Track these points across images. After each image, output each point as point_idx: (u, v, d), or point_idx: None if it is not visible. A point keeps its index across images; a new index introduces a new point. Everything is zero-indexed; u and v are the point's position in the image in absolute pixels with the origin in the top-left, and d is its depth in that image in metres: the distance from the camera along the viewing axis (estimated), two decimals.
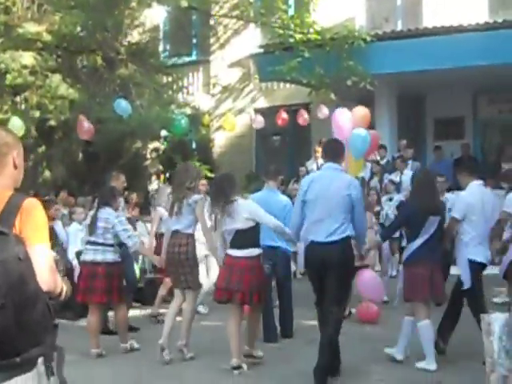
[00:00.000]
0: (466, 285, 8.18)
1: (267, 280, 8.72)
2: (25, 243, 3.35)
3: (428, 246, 7.90)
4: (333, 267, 7.32)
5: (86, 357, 8.88)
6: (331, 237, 7.40)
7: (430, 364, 7.85)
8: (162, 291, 11.46)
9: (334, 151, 7.88)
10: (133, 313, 11.05)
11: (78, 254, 12.11)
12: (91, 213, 9.64)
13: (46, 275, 3.41)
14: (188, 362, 8.63)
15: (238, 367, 7.96)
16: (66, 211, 13.30)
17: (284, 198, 9.63)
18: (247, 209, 8.04)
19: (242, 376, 7.94)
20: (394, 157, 15.82)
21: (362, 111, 10.41)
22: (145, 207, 14.51)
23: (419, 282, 7.88)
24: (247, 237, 8.01)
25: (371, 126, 11.31)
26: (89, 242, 9.27)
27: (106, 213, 9.14)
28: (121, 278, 9.34)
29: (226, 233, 8.14)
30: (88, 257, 9.22)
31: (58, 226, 12.35)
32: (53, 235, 11.34)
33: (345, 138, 9.80)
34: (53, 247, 11.23)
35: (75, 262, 11.67)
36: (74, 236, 12.25)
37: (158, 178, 20.28)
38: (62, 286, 3.58)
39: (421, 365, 7.89)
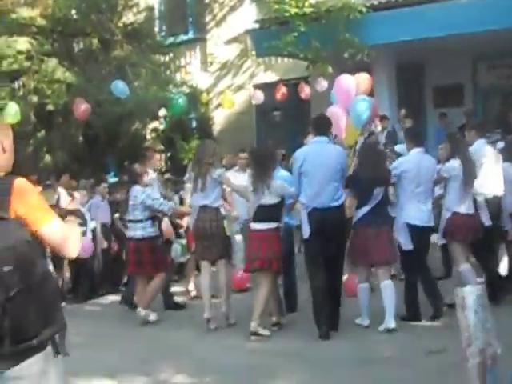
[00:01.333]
0: (406, 246, 8.81)
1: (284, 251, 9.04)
2: (27, 225, 3.37)
3: (374, 212, 8.57)
4: (335, 228, 8.38)
5: (93, 339, 8.93)
6: (331, 203, 8.45)
7: (364, 320, 8.75)
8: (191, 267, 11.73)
9: (323, 126, 8.84)
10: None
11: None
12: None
13: (69, 247, 3.53)
14: (198, 339, 8.69)
15: (254, 333, 8.48)
16: None
17: (284, 173, 9.63)
18: (279, 185, 8.66)
19: (247, 351, 8.01)
20: (394, 127, 15.75)
21: (363, 77, 10.41)
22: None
23: (361, 248, 8.62)
24: (270, 212, 8.65)
25: (371, 95, 11.30)
26: (127, 220, 10.13)
27: (135, 191, 9.81)
28: (152, 252, 9.82)
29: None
30: (127, 233, 10.20)
31: None
32: None
33: (348, 103, 9.81)
34: None
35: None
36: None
37: (160, 158, 20.26)
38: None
39: (357, 320, 8.80)
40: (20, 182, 3.46)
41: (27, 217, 3.37)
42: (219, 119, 20.84)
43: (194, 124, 20.44)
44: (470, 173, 8.99)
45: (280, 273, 8.97)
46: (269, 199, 8.59)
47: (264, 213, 8.63)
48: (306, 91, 16.21)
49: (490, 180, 9.38)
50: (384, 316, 8.48)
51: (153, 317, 9.82)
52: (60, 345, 3.50)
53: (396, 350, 7.74)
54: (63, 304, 11.84)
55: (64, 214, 3.70)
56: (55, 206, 3.50)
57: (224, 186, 9.83)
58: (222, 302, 9.34)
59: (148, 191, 9.86)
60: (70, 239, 3.53)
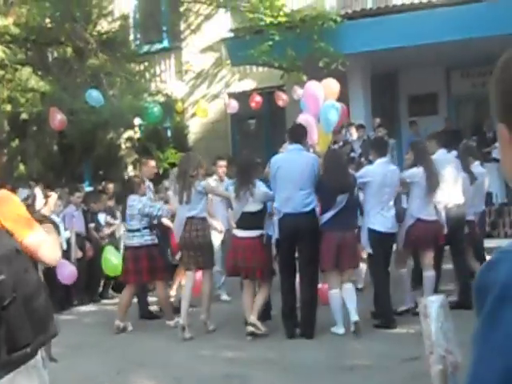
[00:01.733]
0: (367, 249, 9.33)
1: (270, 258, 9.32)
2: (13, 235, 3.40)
3: (338, 218, 8.77)
4: (307, 234, 8.70)
5: (68, 349, 8.86)
6: (303, 208, 8.76)
7: (339, 329, 8.78)
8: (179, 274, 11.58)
9: (299, 134, 9.20)
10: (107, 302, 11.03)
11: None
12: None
13: (48, 257, 3.58)
14: (173, 349, 8.66)
15: (254, 324, 8.77)
16: None
17: (259, 183, 9.70)
18: (262, 192, 9.04)
19: (223, 361, 8.00)
20: (369, 136, 15.83)
21: (331, 83, 10.58)
22: (122, 197, 14.43)
23: (325, 253, 8.82)
24: (254, 219, 8.96)
25: (346, 105, 11.42)
26: (125, 230, 10.34)
27: (131, 199, 9.96)
28: (150, 260, 9.89)
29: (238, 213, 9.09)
30: (125, 242, 10.36)
31: None
32: None
33: (317, 110, 9.97)
34: None
35: None
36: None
37: (135, 167, 20.22)
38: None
39: (332, 329, 8.82)
40: (2, 193, 3.46)
41: (7, 228, 3.38)
42: (194, 128, 20.81)
43: (170, 133, 20.41)
44: (432, 180, 9.32)
45: (267, 278, 9.14)
46: (252, 207, 8.90)
47: (248, 220, 8.95)
48: (283, 99, 16.24)
49: (450, 189, 9.71)
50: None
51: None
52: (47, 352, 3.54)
53: (371, 357, 7.76)
54: None
55: (37, 220, 3.70)
56: (30, 207, 3.59)
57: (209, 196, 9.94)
58: (203, 309, 9.45)
59: (144, 200, 10.00)
60: (48, 249, 3.55)
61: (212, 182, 11.52)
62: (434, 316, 3.71)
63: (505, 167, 1.43)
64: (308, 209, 8.81)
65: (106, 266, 11.53)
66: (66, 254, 11.98)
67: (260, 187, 9.02)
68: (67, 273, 11.28)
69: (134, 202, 9.91)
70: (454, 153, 10.76)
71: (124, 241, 10.32)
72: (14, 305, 3.24)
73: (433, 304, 3.76)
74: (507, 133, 1.38)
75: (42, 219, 3.82)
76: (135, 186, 10.11)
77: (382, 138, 10.53)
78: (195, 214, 9.41)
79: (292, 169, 8.83)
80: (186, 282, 9.73)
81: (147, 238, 9.94)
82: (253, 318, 8.82)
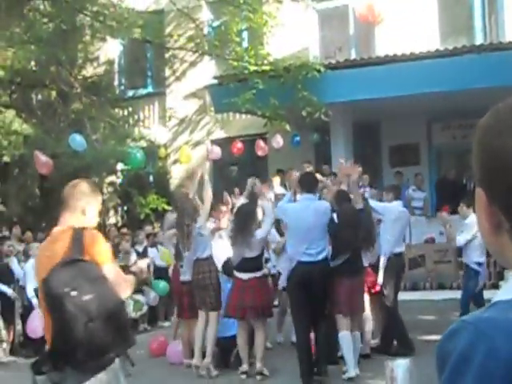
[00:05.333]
0: None
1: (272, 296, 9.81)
2: None
3: (347, 263, 8.85)
4: (321, 280, 8.69)
5: None
6: (316, 257, 8.76)
7: (350, 372, 8.65)
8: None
9: (311, 183, 9.17)
10: None
11: (37, 291, 11.94)
12: None
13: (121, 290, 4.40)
14: None
15: (245, 372, 9.12)
16: (20, 247, 13.07)
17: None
18: (259, 241, 9.24)
19: None
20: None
21: None
22: None
23: (336, 297, 8.89)
24: (254, 262, 9.22)
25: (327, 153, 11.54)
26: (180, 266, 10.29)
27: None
28: (191, 297, 9.94)
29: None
30: (181, 278, 10.19)
31: (14, 263, 12.14)
32: (8, 272, 11.19)
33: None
34: (9, 285, 11.08)
35: (35, 300, 11.42)
36: (32, 273, 12.06)
37: (116, 212, 20.15)
38: None
39: (344, 376, 8.74)
40: (93, 233, 4.61)
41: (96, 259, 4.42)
42: (177, 173, 20.80)
43: (152, 178, 20.39)
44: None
45: (269, 316, 9.56)
46: (251, 253, 9.12)
47: (249, 264, 9.19)
48: (262, 148, 16.22)
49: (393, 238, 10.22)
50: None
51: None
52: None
53: None
54: (15, 359, 11.65)
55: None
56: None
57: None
58: (208, 352, 9.49)
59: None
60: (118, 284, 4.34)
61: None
62: (400, 379, 3.67)
63: (480, 228, 1.44)
64: (321, 257, 8.85)
65: None
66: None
67: (256, 237, 9.14)
68: (34, 325, 11.19)
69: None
70: (370, 191, 11.67)
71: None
72: (99, 320, 3.86)
73: (399, 368, 3.72)
74: (485, 198, 1.39)
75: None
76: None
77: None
78: (199, 254, 9.69)
79: (304, 220, 8.82)
80: (198, 322, 9.76)
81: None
82: (259, 366, 9.05)
